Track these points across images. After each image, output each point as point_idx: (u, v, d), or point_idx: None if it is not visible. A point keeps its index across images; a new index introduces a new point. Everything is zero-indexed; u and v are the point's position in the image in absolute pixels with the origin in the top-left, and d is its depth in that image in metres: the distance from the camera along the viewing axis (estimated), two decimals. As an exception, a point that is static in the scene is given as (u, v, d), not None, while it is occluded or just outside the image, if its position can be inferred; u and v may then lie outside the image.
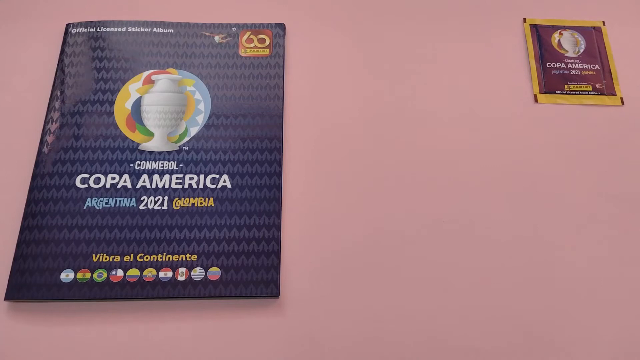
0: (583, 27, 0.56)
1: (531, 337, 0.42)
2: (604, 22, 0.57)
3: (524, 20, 0.57)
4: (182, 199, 0.45)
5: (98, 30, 0.53)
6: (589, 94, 0.52)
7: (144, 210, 0.45)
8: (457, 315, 0.43)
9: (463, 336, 0.42)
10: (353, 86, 0.52)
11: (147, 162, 0.47)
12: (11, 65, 0.53)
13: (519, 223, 0.47)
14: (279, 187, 0.46)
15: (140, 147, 0.48)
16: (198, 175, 0.47)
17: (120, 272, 0.42)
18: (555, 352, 0.41)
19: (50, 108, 0.49)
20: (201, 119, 0.49)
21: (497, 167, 0.49)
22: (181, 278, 0.42)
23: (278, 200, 0.46)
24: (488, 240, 0.46)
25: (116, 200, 0.45)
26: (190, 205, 0.45)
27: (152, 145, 0.48)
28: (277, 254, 0.44)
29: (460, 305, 0.43)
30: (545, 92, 0.53)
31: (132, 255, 0.43)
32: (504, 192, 0.48)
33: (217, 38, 0.53)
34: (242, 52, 0.53)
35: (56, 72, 0.51)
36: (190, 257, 0.43)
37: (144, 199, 0.45)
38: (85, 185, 0.46)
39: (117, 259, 0.43)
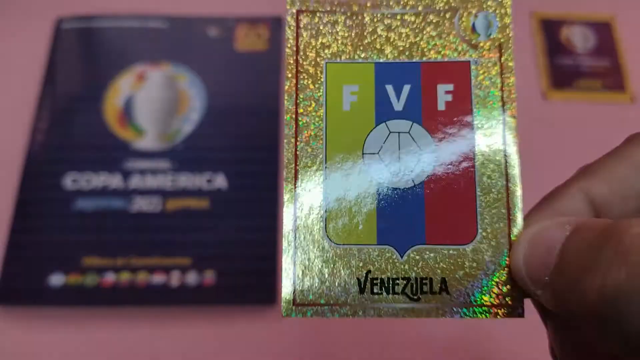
0: (593, 21, 0.55)
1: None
2: (614, 16, 0.55)
3: (531, 14, 0.55)
4: (176, 200, 0.44)
5: (90, 24, 0.51)
6: (598, 91, 0.51)
7: (135, 211, 0.43)
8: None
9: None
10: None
11: (139, 161, 0.45)
12: (-1, 61, 0.51)
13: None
14: (277, 188, 0.44)
15: (132, 146, 0.46)
16: (193, 175, 0.45)
17: (111, 276, 0.41)
18: None
19: (40, 105, 0.47)
20: (196, 116, 0.47)
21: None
22: (175, 283, 0.41)
23: (276, 202, 0.44)
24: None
25: (107, 201, 0.43)
26: (184, 207, 0.43)
27: (145, 143, 0.46)
28: (274, 258, 0.42)
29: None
30: (554, 89, 0.51)
31: (123, 258, 0.41)
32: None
33: (212, 32, 0.51)
34: (238, 47, 0.51)
35: (46, 68, 0.49)
36: (184, 261, 0.42)
37: (135, 200, 0.44)
38: (76, 186, 0.44)
39: (109, 262, 0.41)
